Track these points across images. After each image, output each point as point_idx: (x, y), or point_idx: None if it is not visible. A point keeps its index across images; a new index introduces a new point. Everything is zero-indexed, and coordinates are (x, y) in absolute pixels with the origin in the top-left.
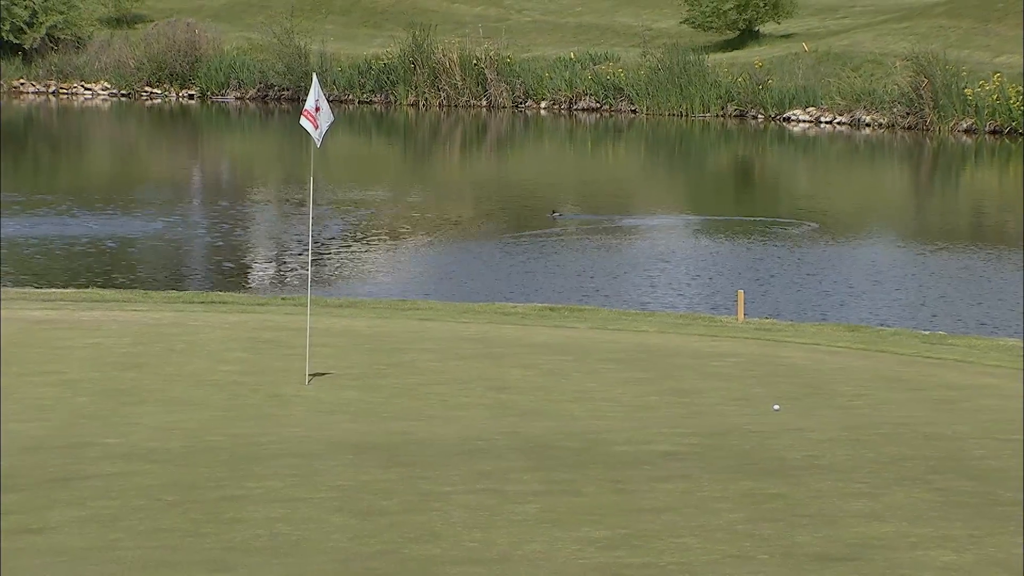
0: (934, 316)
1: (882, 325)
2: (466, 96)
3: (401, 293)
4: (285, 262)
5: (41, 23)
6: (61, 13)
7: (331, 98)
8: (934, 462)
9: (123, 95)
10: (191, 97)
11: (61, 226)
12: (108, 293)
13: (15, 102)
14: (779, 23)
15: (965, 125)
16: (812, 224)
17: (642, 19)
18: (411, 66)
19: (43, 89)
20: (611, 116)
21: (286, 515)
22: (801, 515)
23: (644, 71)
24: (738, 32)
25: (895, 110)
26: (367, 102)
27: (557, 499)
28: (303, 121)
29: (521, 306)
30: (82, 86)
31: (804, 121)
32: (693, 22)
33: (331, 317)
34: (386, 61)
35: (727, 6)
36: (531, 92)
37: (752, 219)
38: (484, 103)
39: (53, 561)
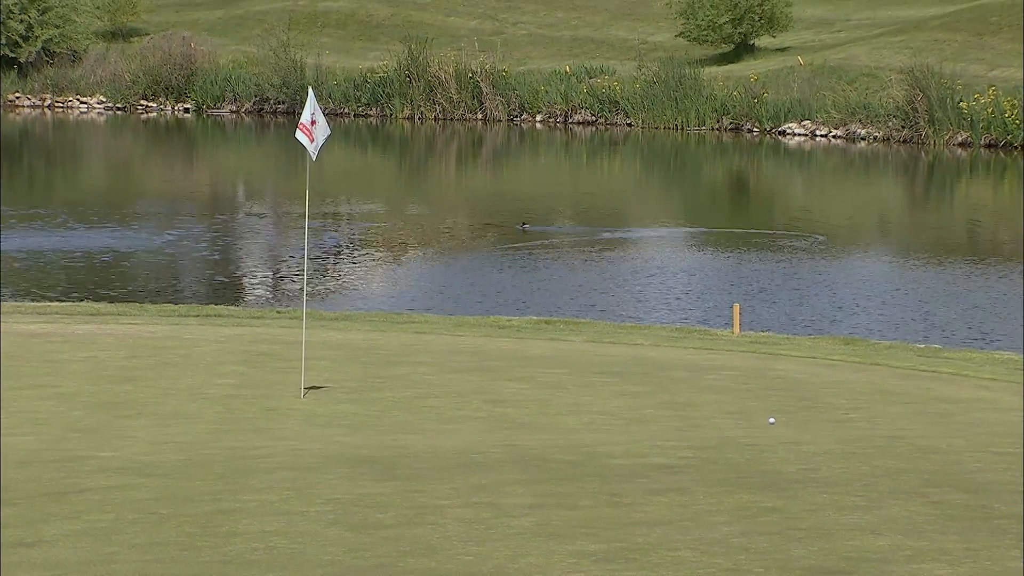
0: (929, 329)
1: (878, 338)
2: (461, 109)
3: (396, 306)
4: (280, 275)
5: (37, 37)
6: (57, 27)
7: (327, 111)
8: (929, 475)
9: (118, 108)
10: (187, 111)
11: (56, 239)
12: (103, 306)
13: (10, 115)
14: (774, 36)
15: (960, 138)
16: (819, 236)
17: (637, 32)
18: (407, 79)
19: (38, 102)
20: (607, 129)
21: (281, 528)
22: (796, 528)
23: (640, 84)
24: (733, 45)
25: (890, 123)
26: (362, 115)
27: (552, 512)
28: (299, 134)
29: (516, 319)
30: (78, 99)
31: (799, 134)
32: (688, 35)
33: (326, 330)
34: (382, 74)
35: (722, 20)
36: (526, 105)
37: (758, 232)
38: (480, 116)
39: (48, 575)
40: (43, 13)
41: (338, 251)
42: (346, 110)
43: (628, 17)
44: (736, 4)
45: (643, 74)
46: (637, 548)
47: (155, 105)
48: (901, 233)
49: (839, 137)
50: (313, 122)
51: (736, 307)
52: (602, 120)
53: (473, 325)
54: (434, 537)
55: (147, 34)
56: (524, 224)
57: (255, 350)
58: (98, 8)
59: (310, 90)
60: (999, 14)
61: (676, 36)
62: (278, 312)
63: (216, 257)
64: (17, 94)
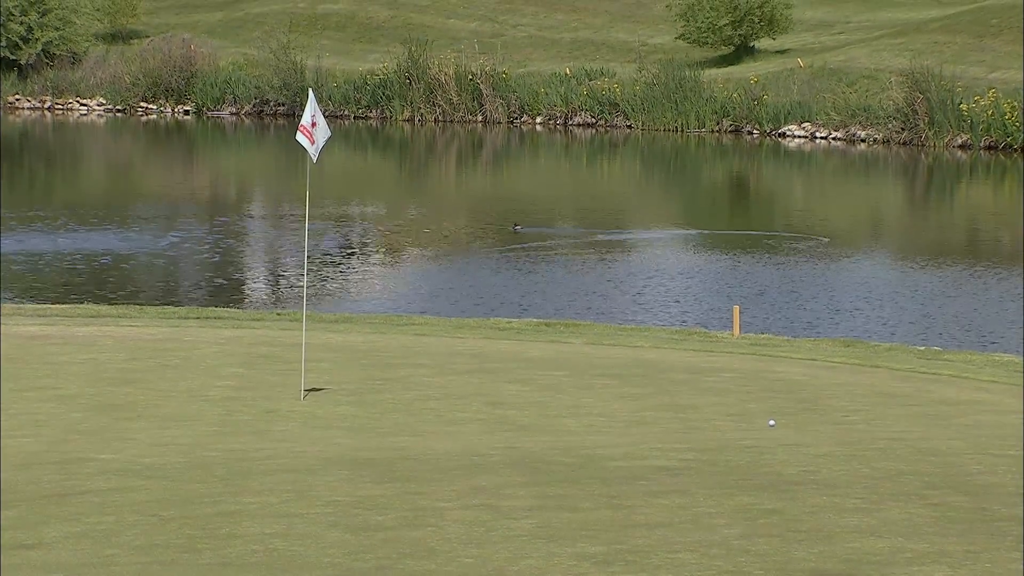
0: (929, 331)
1: (878, 340)
2: (462, 111)
3: (396, 308)
4: (280, 277)
5: (37, 39)
6: (57, 29)
7: (327, 113)
8: (930, 478)
9: (118, 111)
10: (187, 113)
11: (56, 241)
12: (103, 308)
13: (10, 117)
14: (774, 39)
15: (960, 141)
16: (823, 239)
17: (638, 35)
18: (407, 81)
19: (38, 105)
20: (606, 132)
21: (282, 531)
22: (797, 531)
23: (639, 86)
24: (733, 48)
25: (890, 125)
26: (363, 117)
27: (552, 514)
28: (299, 136)
29: (516, 321)
30: (78, 101)
31: (799, 136)
32: (688, 37)
33: (326, 332)
34: (382, 76)
35: (722, 22)
36: (526, 107)
37: (758, 234)
38: (480, 118)
39: None
40: (43, 15)
41: (338, 253)
42: (346, 112)
43: (628, 19)
44: (736, 6)
45: (643, 76)
46: (637, 550)
47: (155, 107)
48: (901, 235)
49: (839, 139)
50: (313, 124)
51: (736, 309)
52: (602, 122)
53: (473, 327)
54: (434, 539)
55: (147, 36)
56: (516, 225)
57: (255, 352)
58: (98, 10)
59: (310, 92)
60: (999, 16)
61: (676, 38)
62: (278, 314)
63: (216, 259)
64: (17, 96)
